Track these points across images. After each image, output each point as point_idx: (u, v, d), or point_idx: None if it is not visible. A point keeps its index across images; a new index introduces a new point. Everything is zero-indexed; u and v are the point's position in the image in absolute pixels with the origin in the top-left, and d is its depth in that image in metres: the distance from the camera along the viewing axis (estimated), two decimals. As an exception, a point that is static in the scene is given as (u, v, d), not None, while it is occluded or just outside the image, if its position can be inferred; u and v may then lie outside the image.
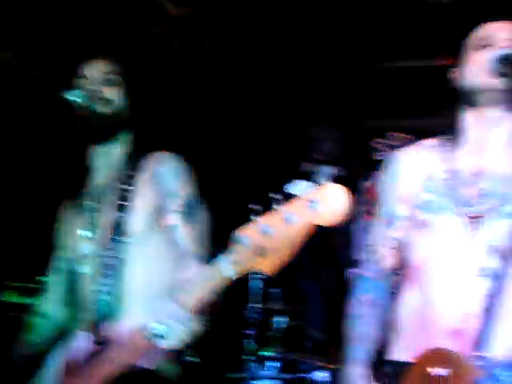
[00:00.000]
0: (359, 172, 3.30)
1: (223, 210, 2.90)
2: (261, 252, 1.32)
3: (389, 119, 4.52)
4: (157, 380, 1.82)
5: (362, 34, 4.05)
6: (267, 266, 1.33)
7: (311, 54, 4.34)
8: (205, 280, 1.46)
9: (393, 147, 1.95)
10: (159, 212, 1.98)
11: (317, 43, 4.22)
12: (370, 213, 1.89)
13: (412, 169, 1.81)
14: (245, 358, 3.64)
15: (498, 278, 1.55)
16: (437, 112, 1.89)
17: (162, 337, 1.47)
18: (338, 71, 4.53)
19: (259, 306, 3.76)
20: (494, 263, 1.59)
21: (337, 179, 1.29)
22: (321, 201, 1.25)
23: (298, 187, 1.32)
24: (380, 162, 2.00)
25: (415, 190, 1.77)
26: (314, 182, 1.29)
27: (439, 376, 1.52)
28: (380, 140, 3.81)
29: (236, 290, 1.79)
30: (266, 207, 1.31)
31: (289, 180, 1.35)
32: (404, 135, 3.73)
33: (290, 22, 4.01)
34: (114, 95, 2.04)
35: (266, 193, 1.31)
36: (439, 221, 1.69)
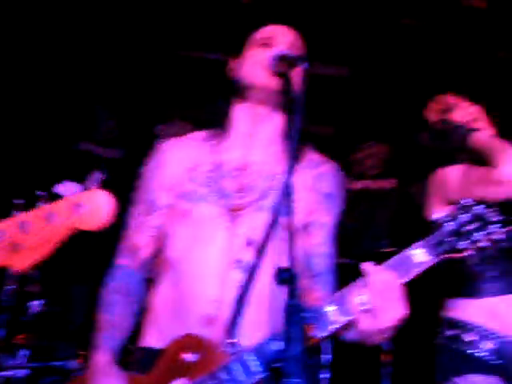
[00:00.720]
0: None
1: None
2: (13, 247, 1.26)
3: (174, 107, 4.53)
4: None
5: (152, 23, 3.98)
6: (18, 261, 1.28)
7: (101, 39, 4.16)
8: None
9: (172, 135, 1.92)
10: None
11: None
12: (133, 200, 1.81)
13: (178, 158, 1.78)
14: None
15: (251, 269, 1.58)
16: (213, 104, 1.90)
17: None
18: (123, 55, 4.40)
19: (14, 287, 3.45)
20: (249, 256, 1.62)
21: (106, 183, 1.29)
22: (86, 205, 1.23)
23: (65, 188, 1.29)
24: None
25: (179, 180, 1.74)
26: (84, 184, 1.27)
27: (189, 361, 1.52)
28: (162, 127, 3.79)
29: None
30: (30, 204, 1.28)
31: (58, 177, 1.30)
32: (185, 124, 3.75)
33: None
34: None
35: (33, 189, 1.27)
36: (199, 211, 1.69)
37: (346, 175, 4.83)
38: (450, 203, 1.61)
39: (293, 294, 1.18)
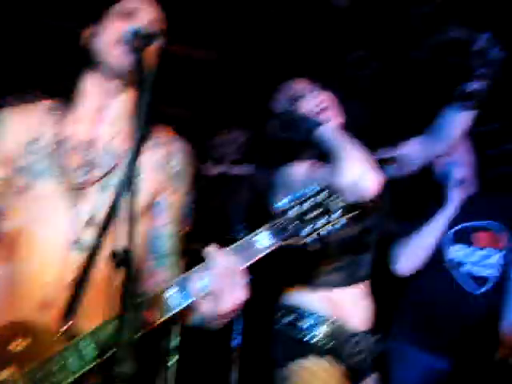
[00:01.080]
0: None
1: None
2: None
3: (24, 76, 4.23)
4: None
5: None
6: None
7: None
8: None
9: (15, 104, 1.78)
10: None
11: None
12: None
13: (16, 129, 1.64)
14: None
15: (91, 251, 1.52)
16: (62, 73, 1.78)
17: None
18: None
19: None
20: (90, 236, 1.55)
21: None
22: None
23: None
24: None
25: (17, 152, 1.60)
26: None
27: (18, 349, 1.42)
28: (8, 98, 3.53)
29: None
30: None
31: None
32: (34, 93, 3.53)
33: None
34: None
35: None
36: (38, 188, 1.57)
37: (205, 160, 4.84)
38: None
39: (129, 276, 1.14)
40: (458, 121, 2.21)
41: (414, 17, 3.48)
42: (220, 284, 1.37)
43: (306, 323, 2.10)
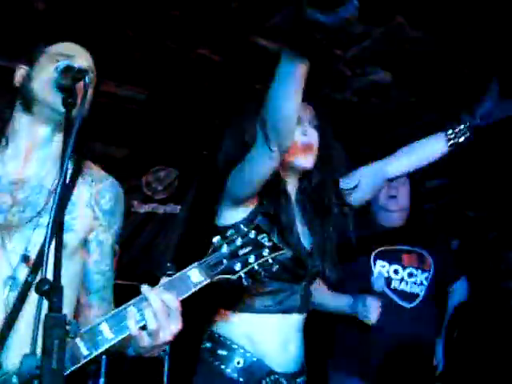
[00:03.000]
0: None
1: None
2: None
3: None
4: None
5: None
6: None
7: None
8: None
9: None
10: None
11: None
12: None
13: None
14: None
15: (22, 287, 1.52)
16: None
17: None
18: None
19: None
20: (23, 273, 1.54)
21: None
22: None
23: None
24: None
25: None
26: None
27: None
28: None
29: None
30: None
31: None
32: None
33: None
34: None
35: None
36: None
37: (135, 197, 4.81)
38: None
39: (53, 306, 1.14)
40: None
41: (339, 59, 3.66)
42: (156, 319, 1.40)
43: (223, 351, 2.08)
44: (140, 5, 3.33)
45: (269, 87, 1.72)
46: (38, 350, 1.13)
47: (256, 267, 1.52)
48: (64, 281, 1.19)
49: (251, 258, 1.51)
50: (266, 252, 1.54)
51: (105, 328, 1.40)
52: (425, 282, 3.08)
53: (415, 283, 3.06)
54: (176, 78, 4.11)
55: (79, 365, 1.36)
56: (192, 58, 3.80)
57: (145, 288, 1.44)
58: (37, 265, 1.53)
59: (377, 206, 3.15)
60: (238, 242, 1.52)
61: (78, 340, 1.36)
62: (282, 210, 2.10)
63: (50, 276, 1.17)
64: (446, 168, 4.96)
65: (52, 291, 1.13)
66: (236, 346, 2.07)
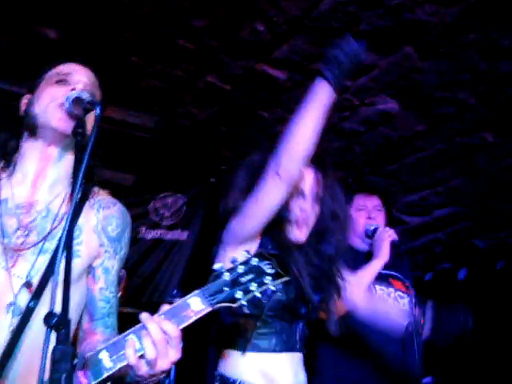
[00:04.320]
0: None
1: None
2: None
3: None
4: None
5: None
6: None
7: None
8: None
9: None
10: None
11: None
12: None
13: None
14: None
15: (24, 314, 1.49)
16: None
17: None
18: None
19: None
20: (24, 299, 1.52)
21: None
22: None
23: None
24: None
25: None
26: None
27: None
28: None
29: None
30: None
31: None
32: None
33: None
34: None
35: None
36: None
37: (143, 224, 4.81)
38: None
39: (61, 339, 1.12)
40: None
41: (346, 88, 3.69)
42: (155, 348, 1.37)
43: None
44: (150, 34, 3.38)
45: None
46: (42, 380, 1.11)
47: (258, 295, 1.49)
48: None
49: (253, 286, 1.47)
50: (268, 279, 1.49)
51: (104, 356, 1.37)
52: (410, 305, 3.14)
53: (406, 304, 3.14)
54: (184, 106, 4.15)
55: None
56: (200, 86, 3.84)
57: (144, 316, 1.41)
58: (39, 291, 1.51)
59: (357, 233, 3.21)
60: (240, 269, 1.48)
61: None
62: (292, 260, 2.12)
63: (52, 303, 1.16)
64: (455, 197, 4.95)
65: (60, 324, 1.12)
66: None
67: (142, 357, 1.38)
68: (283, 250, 2.10)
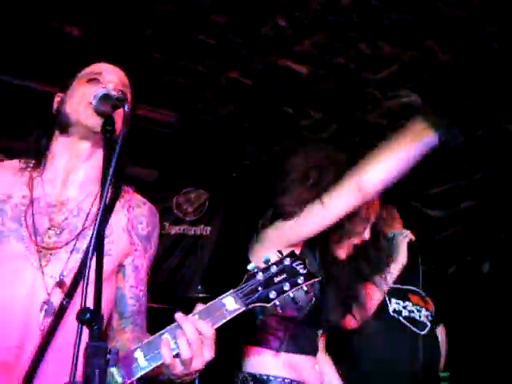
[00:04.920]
0: None
1: None
2: None
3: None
4: None
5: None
6: None
7: None
8: None
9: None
10: None
11: None
12: None
13: None
14: None
15: (58, 313, 1.51)
16: (28, 134, 1.81)
17: None
18: None
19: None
20: (58, 298, 1.53)
21: None
22: None
23: None
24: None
25: None
26: None
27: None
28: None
29: None
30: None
31: None
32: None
33: None
34: None
35: None
36: (7, 247, 1.56)
37: (166, 219, 4.83)
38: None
39: (94, 335, 1.14)
40: None
41: (369, 82, 3.67)
42: (190, 349, 1.38)
43: None
44: (171, 30, 3.40)
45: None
46: (78, 379, 1.12)
47: (291, 295, 1.49)
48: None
49: (286, 286, 1.48)
50: (300, 280, 1.50)
51: (139, 356, 1.38)
52: (429, 318, 3.24)
53: (424, 316, 3.21)
54: (206, 102, 4.16)
55: None
56: (222, 81, 3.85)
57: (179, 316, 1.42)
58: (71, 290, 1.53)
59: None
60: (273, 268, 1.49)
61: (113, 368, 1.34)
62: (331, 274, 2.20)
63: (88, 302, 1.17)
64: (477, 190, 4.89)
65: (93, 320, 1.13)
66: (280, 379, 2.12)
67: (176, 356, 1.39)
68: (325, 263, 2.16)
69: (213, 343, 1.43)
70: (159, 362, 1.39)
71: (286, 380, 2.12)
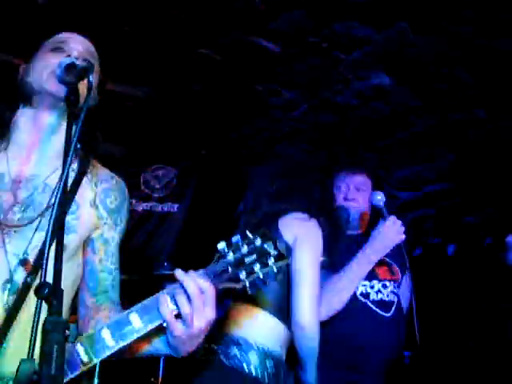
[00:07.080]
0: None
1: None
2: None
3: None
4: None
5: None
6: None
7: None
8: None
9: None
10: None
11: None
12: None
13: None
14: None
15: (20, 291, 1.46)
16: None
17: None
18: None
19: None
20: (21, 276, 1.48)
21: None
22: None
23: None
24: None
25: None
26: None
27: None
28: None
29: None
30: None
31: None
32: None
33: None
34: None
35: None
36: None
37: (133, 196, 4.78)
38: None
39: (53, 310, 1.10)
40: None
41: (340, 63, 3.66)
42: (190, 304, 1.35)
43: (250, 357, 2.13)
44: (139, 3, 3.31)
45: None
46: (36, 355, 1.07)
47: (261, 276, 1.47)
48: (63, 283, 1.15)
49: (256, 267, 1.44)
50: (271, 261, 1.47)
51: (135, 319, 1.36)
52: (396, 290, 3.08)
53: (390, 292, 3.06)
54: (176, 77, 4.09)
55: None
56: (193, 57, 3.78)
57: (179, 272, 1.38)
58: (35, 268, 1.47)
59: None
60: (244, 249, 1.45)
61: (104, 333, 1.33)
62: None
63: (49, 279, 1.13)
64: (446, 173, 4.96)
65: (52, 295, 1.09)
66: (261, 348, 2.20)
67: (177, 317, 1.36)
68: None
69: (214, 303, 1.39)
70: (157, 323, 1.36)
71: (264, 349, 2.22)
